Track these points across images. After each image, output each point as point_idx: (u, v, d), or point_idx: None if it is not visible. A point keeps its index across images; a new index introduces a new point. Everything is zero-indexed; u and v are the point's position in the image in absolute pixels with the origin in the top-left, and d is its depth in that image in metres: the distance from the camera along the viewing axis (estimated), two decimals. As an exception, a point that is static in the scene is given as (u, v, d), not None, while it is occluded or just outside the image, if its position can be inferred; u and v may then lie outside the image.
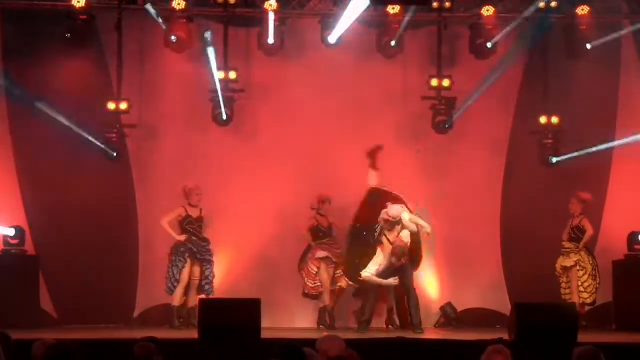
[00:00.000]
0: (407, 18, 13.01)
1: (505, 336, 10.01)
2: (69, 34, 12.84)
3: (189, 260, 12.55)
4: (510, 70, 13.45)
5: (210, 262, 12.69)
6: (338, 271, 12.89)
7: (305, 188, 12.71)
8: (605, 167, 13.80)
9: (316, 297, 12.91)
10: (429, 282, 13.54)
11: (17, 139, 13.36)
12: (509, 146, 13.91)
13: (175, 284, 12.48)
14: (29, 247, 13.11)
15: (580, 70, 13.55)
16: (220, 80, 13.19)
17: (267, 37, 13.15)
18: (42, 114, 12.78)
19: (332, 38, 13.23)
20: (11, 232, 12.88)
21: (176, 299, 12.56)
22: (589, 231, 12.99)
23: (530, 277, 13.22)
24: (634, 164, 13.62)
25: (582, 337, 9.63)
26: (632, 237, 13.29)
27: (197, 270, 12.63)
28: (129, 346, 6.79)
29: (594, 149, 13.37)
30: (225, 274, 13.20)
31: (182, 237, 12.52)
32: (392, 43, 13.20)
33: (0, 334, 7.13)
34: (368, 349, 8.41)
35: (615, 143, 13.53)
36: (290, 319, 13.32)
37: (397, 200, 12.38)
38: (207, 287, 12.63)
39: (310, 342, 6.54)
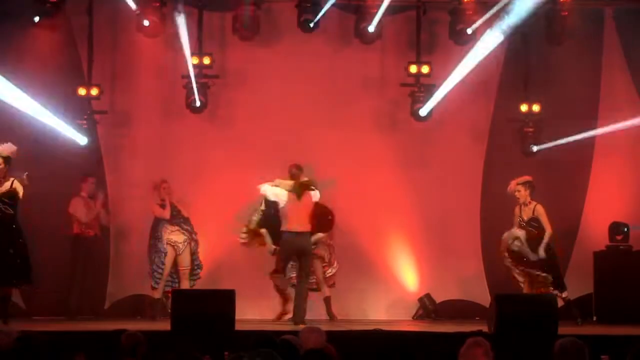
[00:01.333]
0: (385, 3, 12.96)
1: (485, 328, 10.02)
2: (38, 17, 12.72)
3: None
4: (491, 57, 13.45)
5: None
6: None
7: (281, 175, 12.61)
8: (588, 156, 13.81)
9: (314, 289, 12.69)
10: (407, 274, 13.53)
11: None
12: (490, 135, 13.89)
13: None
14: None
15: (562, 57, 13.55)
16: (194, 66, 13.10)
17: (242, 21, 13.09)
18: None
19: (309, 23, 13.17)
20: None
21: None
22: None
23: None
24: (616, 153, 13.64)
25: (562, 329, 9.65)
26: (613, 227, 13.29)
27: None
28: (100, 338, 6.78)
29: (575, 137, 13.40)
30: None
31: None
32: (370, 29, 13.18)
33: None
34: (345, 341, 8.38)
35: (597, 132, 13.55)
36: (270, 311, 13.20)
37: None
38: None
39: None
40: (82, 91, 13.05)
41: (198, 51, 13.18)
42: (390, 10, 13.19)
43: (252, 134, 13.48)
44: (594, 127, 13.65)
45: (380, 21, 13.12)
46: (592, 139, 13.67)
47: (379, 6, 13.02)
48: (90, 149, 13.26)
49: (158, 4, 12.96)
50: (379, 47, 13.60)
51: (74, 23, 13.32)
